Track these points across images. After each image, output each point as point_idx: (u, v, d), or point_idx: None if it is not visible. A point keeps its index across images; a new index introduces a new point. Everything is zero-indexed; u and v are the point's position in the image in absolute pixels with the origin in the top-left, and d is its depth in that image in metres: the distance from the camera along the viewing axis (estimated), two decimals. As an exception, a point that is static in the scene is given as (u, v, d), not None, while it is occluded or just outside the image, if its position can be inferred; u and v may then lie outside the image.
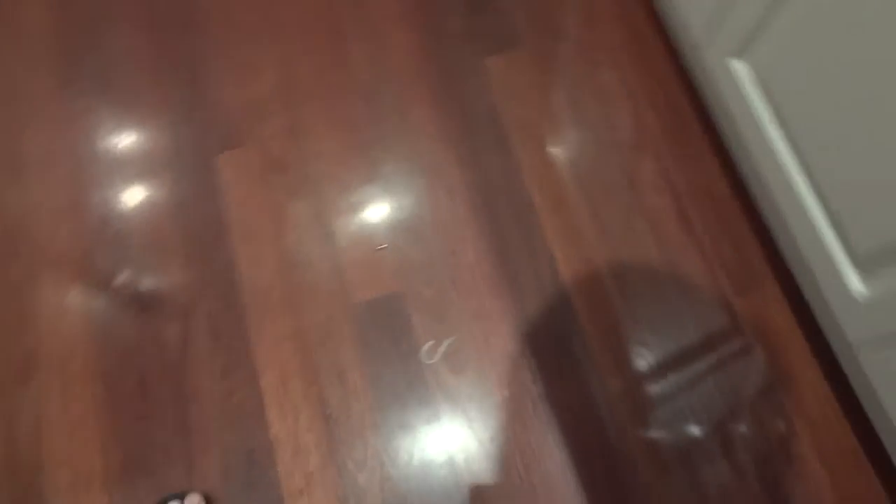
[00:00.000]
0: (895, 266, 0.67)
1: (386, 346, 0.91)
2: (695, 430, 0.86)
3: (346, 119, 1.03)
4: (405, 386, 0.89)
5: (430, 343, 0.92)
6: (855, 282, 0.73)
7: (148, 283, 0.97)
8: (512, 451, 0.86)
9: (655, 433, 0.87)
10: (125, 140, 1.05)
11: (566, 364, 0.90)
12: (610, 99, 1.03)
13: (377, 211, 0.98)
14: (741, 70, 0.82)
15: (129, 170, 1.03)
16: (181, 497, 0.85)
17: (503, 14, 1.08)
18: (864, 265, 0.72)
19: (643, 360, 0.89)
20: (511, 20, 1.08)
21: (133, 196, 1.01)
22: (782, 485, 0.84)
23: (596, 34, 1.07)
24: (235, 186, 1.00)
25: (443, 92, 1.04)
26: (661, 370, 0.89)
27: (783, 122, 0.78)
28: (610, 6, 1.08)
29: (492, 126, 1.02)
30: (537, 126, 1.02)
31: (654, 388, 0.88)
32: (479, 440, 0.86)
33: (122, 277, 0.97)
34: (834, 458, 0.84)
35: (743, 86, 0.82)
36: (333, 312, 0.93)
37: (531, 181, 0.98)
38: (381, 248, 0.97)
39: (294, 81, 1.06)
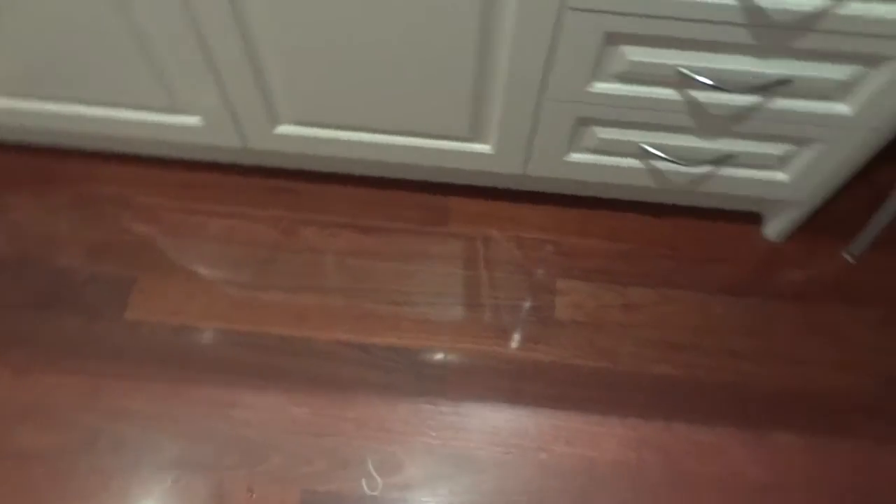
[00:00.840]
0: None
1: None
2: (526, 302, 1.08)
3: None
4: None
5: (364, 480, 0.95)
6: (482, 148, 1.00)
7: None
8: (475, 453, 0.97)
9: (526, 339, 1.06)
10: None
11: (436, 378, 1.02)
12: (228, 235, 1.14)
13: (212, 490, 0.94)
14: (289, 130, 1.01)
15: None
16: None
17: (92, 280, 1.09)
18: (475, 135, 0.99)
19: (470, 316, 1.07)
20: (105, 275, 1.09)
21: None
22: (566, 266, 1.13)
23: (158, 211, 1.16)
24: None
25: (131, 370, 1.01)
26: (477, 306, 1.08)
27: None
28: (143, 193, 1.18)
29: (197, 338, 1.04)
30: (220, 291, 1.07)
31: (487, 317, 1.07)
32: (452, 470, 0.95)
33: None
34: (593, 231, 1.17)
35: (301, 136, 1.01)
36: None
37: (242, 322, 1.05)
38: (252, 495, 0.94)
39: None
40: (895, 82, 0.79)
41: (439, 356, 1.04)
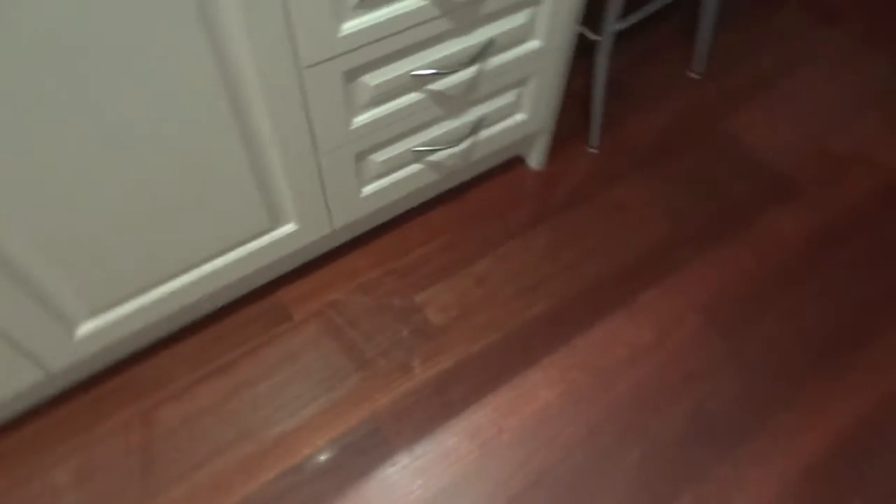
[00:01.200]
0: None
1: None
2: (404, 331, 1.13)
3: None
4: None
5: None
6: (287, 228, 1.02)
7: None
8: (453, 475, 1.00)
9: (424, 360, 1.10)
10: None
11: (379, 443, 1.02)
12: (82, 473, 1.00)
13: None
14: (90, 326, 0.92)
15: None
16: None
17: None
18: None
19: (368, 375, 1.07)
20: None
21: None
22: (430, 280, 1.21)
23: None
24: None
25: None
26: (367, 362, 1.09)
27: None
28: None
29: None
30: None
31: (382, 366, 1.09)
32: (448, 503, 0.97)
33: None
34: (414, 241, 1.24)
35: (105, 326, 0.93)
36: None
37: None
38: None
39: None
40: (555, 9, 1.00)
41: (368, 425, 1.04)
